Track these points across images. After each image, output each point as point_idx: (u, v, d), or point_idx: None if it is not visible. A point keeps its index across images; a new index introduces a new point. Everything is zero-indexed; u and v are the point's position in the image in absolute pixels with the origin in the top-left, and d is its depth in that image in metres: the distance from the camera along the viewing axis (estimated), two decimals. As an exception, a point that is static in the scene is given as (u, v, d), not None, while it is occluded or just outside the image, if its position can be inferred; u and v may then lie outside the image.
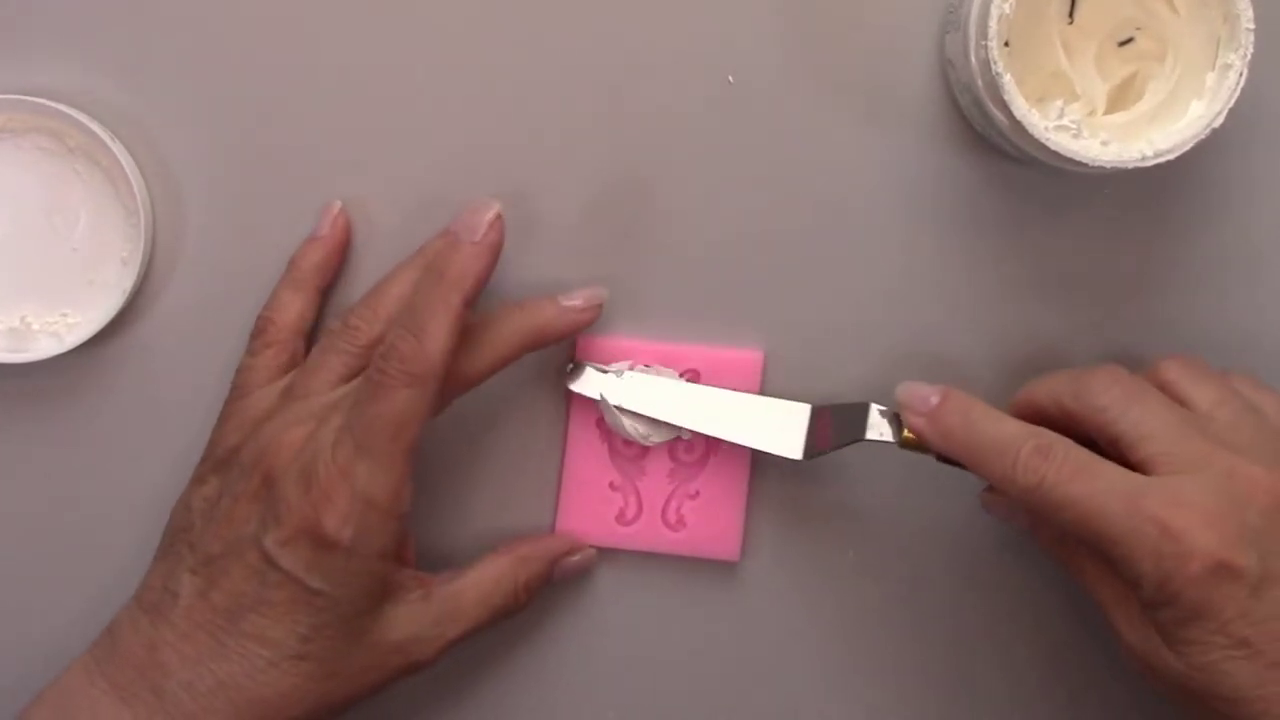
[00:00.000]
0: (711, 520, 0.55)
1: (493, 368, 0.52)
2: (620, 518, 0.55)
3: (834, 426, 0.53)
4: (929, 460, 0.51)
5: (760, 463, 0.55)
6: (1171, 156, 0.49)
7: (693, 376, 0.55)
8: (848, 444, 0.52)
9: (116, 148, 0.54)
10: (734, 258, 0.55)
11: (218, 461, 0.51)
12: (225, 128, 0.55)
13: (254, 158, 0.55)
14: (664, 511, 0.55)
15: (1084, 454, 0.47)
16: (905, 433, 0.51)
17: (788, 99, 0.55)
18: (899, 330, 0.55)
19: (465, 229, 0.50)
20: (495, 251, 0.51)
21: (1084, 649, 0.56)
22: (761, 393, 0.55)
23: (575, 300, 0.54)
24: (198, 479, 0.52)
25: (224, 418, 0.53)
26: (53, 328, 0.55)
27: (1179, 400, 0.49)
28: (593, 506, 0.55)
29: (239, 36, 0.55)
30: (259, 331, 0.54)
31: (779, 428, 0.53)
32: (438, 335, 0.48)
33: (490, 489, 0.56)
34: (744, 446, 0.54)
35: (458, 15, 0.55)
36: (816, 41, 0.54)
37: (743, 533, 0.55)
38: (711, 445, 0.55)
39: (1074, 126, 0.50)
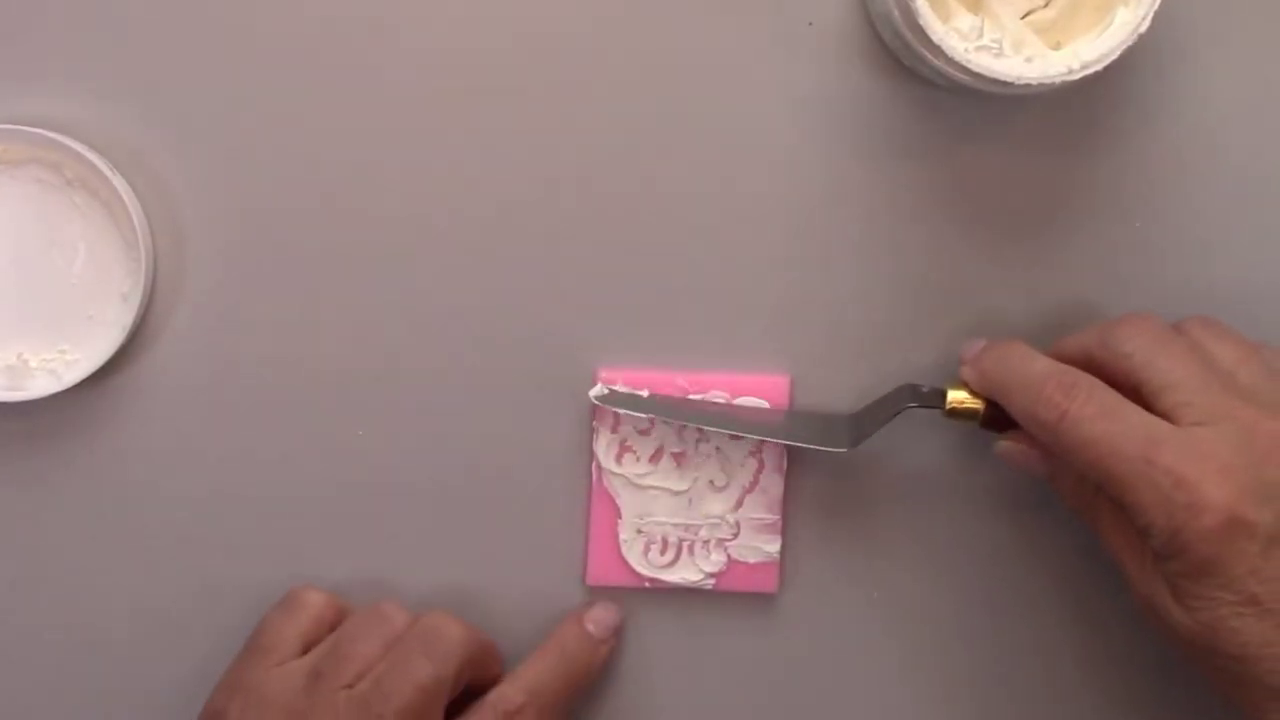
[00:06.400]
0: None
1: None
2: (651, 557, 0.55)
3: (875, 410, 0.53)
4: (965, 485, 0.51)
5: (793, 492, 0.55)
6: (1098, 68, 0.48)
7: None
8: (893, 416, 0.52)
9: (116, 179, 0.53)
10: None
11: None
12: (226, 159, 0.54)
13: (256, 190, 0.54)
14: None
15: (1109, 395, 0.47)
16: (947, 401, 0.51)
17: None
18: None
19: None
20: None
21: (1134, 682, 0.56)
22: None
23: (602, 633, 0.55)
24: None
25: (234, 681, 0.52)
26: (51, 365, 0.54)
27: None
28: (622, 549, 0.55)
29: (239, 68, 0.54)
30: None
31: (820, 428, 0.53)
32: None
33: (517, 540, 0.55)
34: (778, 478, 0.54)
35: (452, 40, 0.54)
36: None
37: (780, 564, 0.55)
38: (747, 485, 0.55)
39: (995, 45, 0.49)
